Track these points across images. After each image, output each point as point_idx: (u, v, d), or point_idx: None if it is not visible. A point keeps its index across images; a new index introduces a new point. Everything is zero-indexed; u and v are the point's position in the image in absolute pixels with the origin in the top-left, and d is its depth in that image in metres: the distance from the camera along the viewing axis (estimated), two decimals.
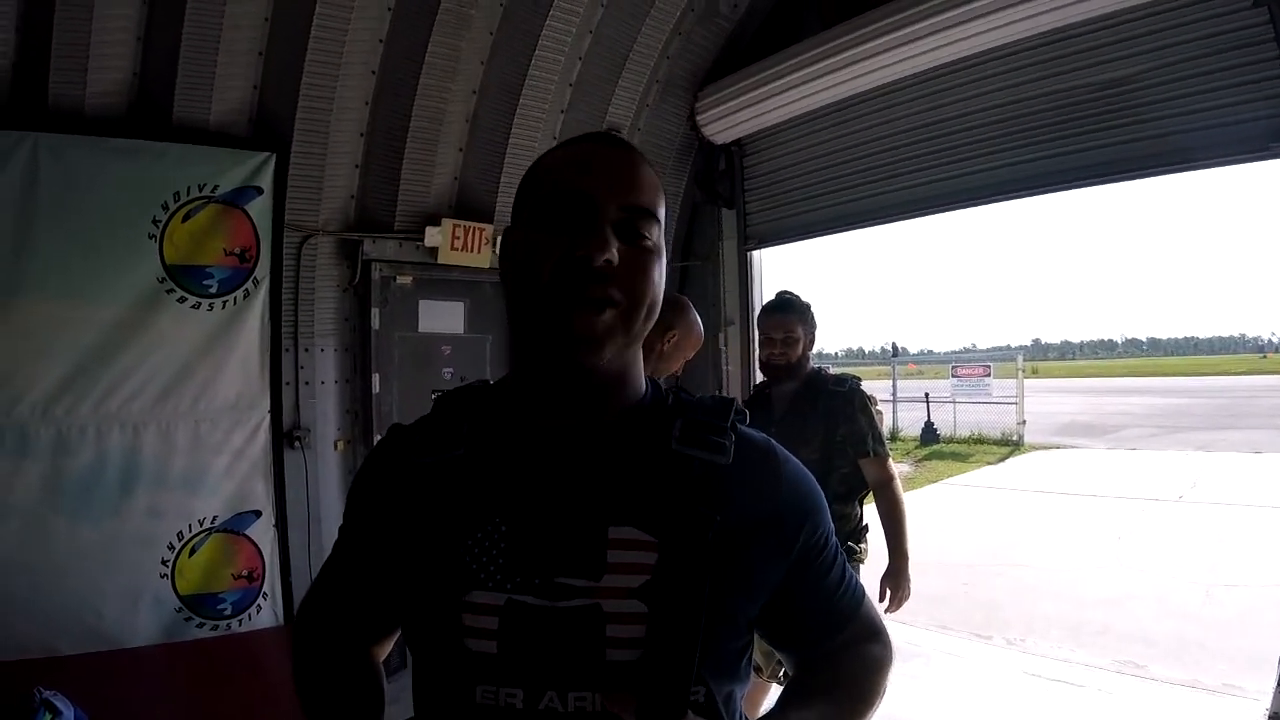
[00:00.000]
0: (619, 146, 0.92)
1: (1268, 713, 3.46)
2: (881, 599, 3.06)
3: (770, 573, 0.92)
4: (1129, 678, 4.49)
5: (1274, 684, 3.44)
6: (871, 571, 3.10)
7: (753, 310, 5.40)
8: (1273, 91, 3.34)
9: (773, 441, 1.00)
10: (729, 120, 5.20)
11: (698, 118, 5.29)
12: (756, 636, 0.98)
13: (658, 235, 0.91)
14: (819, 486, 1.01)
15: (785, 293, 3.35)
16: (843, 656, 1.00)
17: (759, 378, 3.52)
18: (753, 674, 1.00)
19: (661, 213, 0.92)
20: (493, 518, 0.86)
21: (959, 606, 6.04)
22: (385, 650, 1.11)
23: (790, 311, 3.24)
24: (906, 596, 3.09)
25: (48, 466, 3.28)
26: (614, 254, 0.84)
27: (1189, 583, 6.51)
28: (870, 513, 3.21)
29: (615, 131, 0.91)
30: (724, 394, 5.33)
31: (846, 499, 3.11)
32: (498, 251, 4.67)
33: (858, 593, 1.03)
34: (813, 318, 3.28)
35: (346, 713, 1.02)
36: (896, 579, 3.06)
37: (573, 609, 0.82)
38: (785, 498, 0.94)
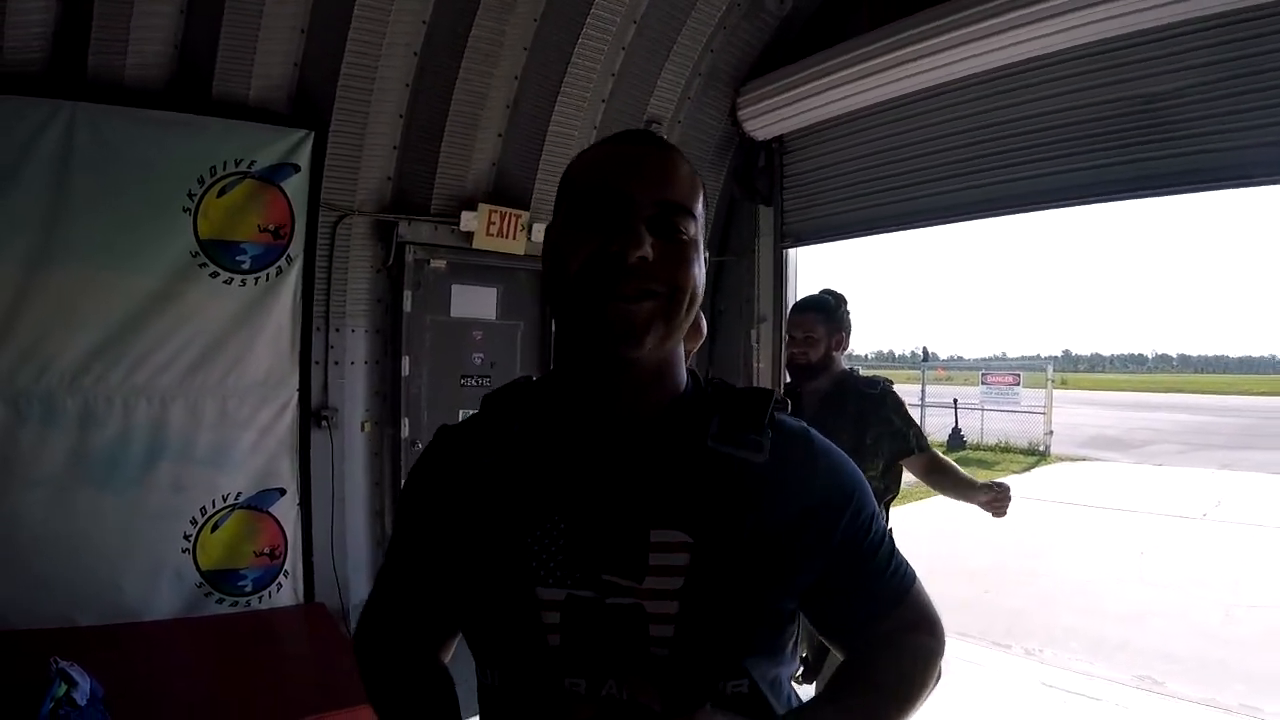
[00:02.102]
0: (655, 144, 0.92)
1: None
2: (995, 512, 2.96)
3: (811, 565, 0.91)
4: (1147, 694, 4.41)
5: None
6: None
7: (786, 308, 5.23)
8: None
9: (809, 429, 0.98)
10: (770, 117, 5.06)
11: (739, 113, 5.16)
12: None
13: (695, 231, 0.90)
14: (858, 469, 0.99)
15: (825, 291, 3.21)
16: (893, 644, 0.97)
17: (788, 376, 3.41)
18: None
19: (699, 209, 0.91)
20: (552, 515, 0.87)
21: (979, 614, 5.93)
22: (449, 652, 1.10)
23: (813, 311, 3.09)
24: (1005, 488, 2.96)
25: (74, 436, 3.24)
26: (648, 250, 0.84)
27: (1210, 601, 6.40)
28: (895, 517, 3.09)
29: (655, 123, 0.87)
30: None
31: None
32: (532, 240, 4.66)
33: (908, 576, 1.00)
34: (843, 317, 3.12)
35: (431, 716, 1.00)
36: (987, 493, 2.94)
37: (619, 606, 0.84)
38: (823, 488, 0.93)
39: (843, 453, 0.98)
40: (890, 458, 2.95)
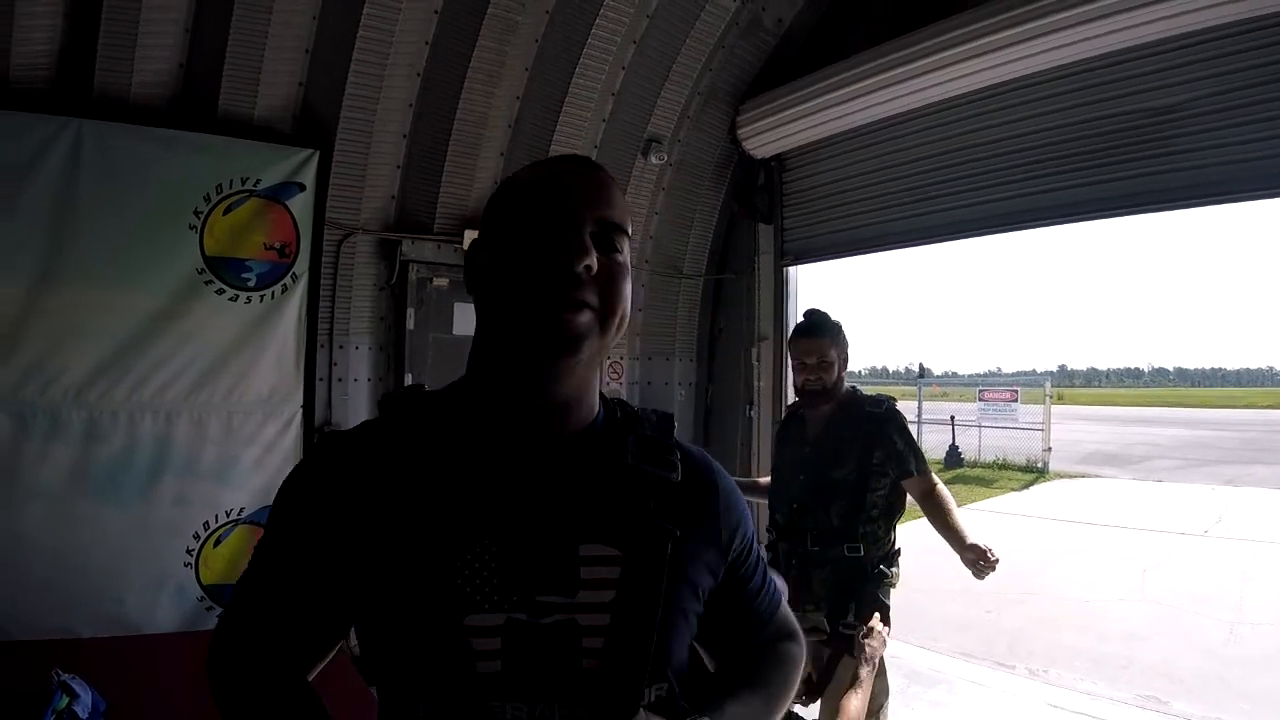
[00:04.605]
0: (593, 167, 0.96)
1: None
2: (978, 574, 2.86)
3: (710, 578, 0.98)
4: (1151, 713, 4.36)
5: None
6: (900, 598, 2.99)
7: (787, 326, 5.24)
8: None
9: (707, 454, 1.05)
10: (769, 135, 5.05)
11: (738, 131, 5.15)
12: None
13: (628, 250, 0.94)
14: (742, 495, 1.07)
15: (814, 311, 3.16)
16: (766, 653, 1.08)
17: (791, 395, 3.36)
18: None
19: (630, 229, 0.95)
20: (482, 539, 0.85)
21: (982, 634, 5.86)
22: (315, 674, 1.00)
23: (823, 334, 3.04)
24: (989, 551, 2.83)
25: (78, 450, 3.22)
26: (593, 260, 0.87)
27: (1213, 619, 6.33)
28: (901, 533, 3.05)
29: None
30: (756, 409, 5.23)
31: (880, 521, 2.95)
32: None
33: (776, 596, 1.11)
34: (844, 337, 3.10)
35: None
36: (970, 549, 2.83)
37: (553, 624, 0.84)
38: (723, 510, 1.01)
39: (730, 478, 1.06)
40: (894, 477, 2.94)
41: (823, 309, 3.18)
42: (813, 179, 5.18)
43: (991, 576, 2.86)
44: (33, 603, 3.04)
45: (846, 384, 3.12)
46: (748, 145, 5.20)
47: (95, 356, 3.26)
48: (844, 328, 3.11)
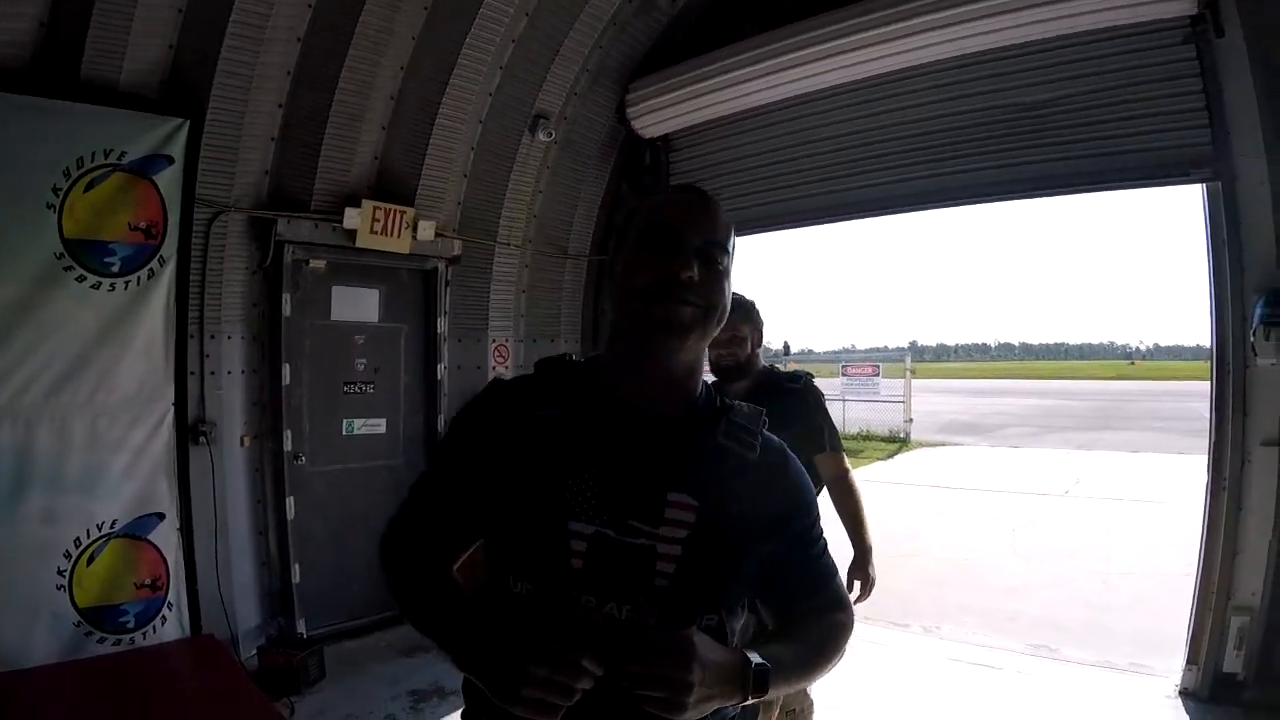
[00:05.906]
0: (702, 196, 1.21)
1: (1177, 688, 3.84)
2: (851, 590, 2.97)
3: (770, 542, 1.20)
4: (1044, 660, 4.66)
5: (1182, 662, 3.82)
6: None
7: None
8: (1196, 122, 3.61)
9: (785, 446, 1.29)
10: (658, 115, 5.16)
11: (627, 110, 5.23)
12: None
13: (727, 262, 1.19)
14: (811, 483, 1.32)
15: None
16: (816, 618, 1.26)
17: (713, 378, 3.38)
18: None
19: (731, 245, 1.20)
20: (590, 467, 1.12)
21: (873, 597, 6.12)
22: (457, 565, 1.28)
23: (734, 311, 3.12)
24: (873, 584, 3.03)
25: None
26: (695, 273, 1.12)
27: (1086, 571, 6.80)
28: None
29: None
30: None
31: None
32: (417, 239, 4.52)
33: (831, 568, 1.31)
34: (758, 315, 3.19)
35: (451, 618, 1.15)
36: (864, 570, 3.00)
37: (637, 545, 1.10)
38: (790, 490, 1.25)
39: (803, 468, 1.30)
40: (810, 452, 2.98)
41: (737, 290, 3.24)
42: (701, 160, 5.34)
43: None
44: None
45: (763, 362, 3.22)
46: (636, 125, 5.28)
47: None
48: (758, 307, 3.20)
